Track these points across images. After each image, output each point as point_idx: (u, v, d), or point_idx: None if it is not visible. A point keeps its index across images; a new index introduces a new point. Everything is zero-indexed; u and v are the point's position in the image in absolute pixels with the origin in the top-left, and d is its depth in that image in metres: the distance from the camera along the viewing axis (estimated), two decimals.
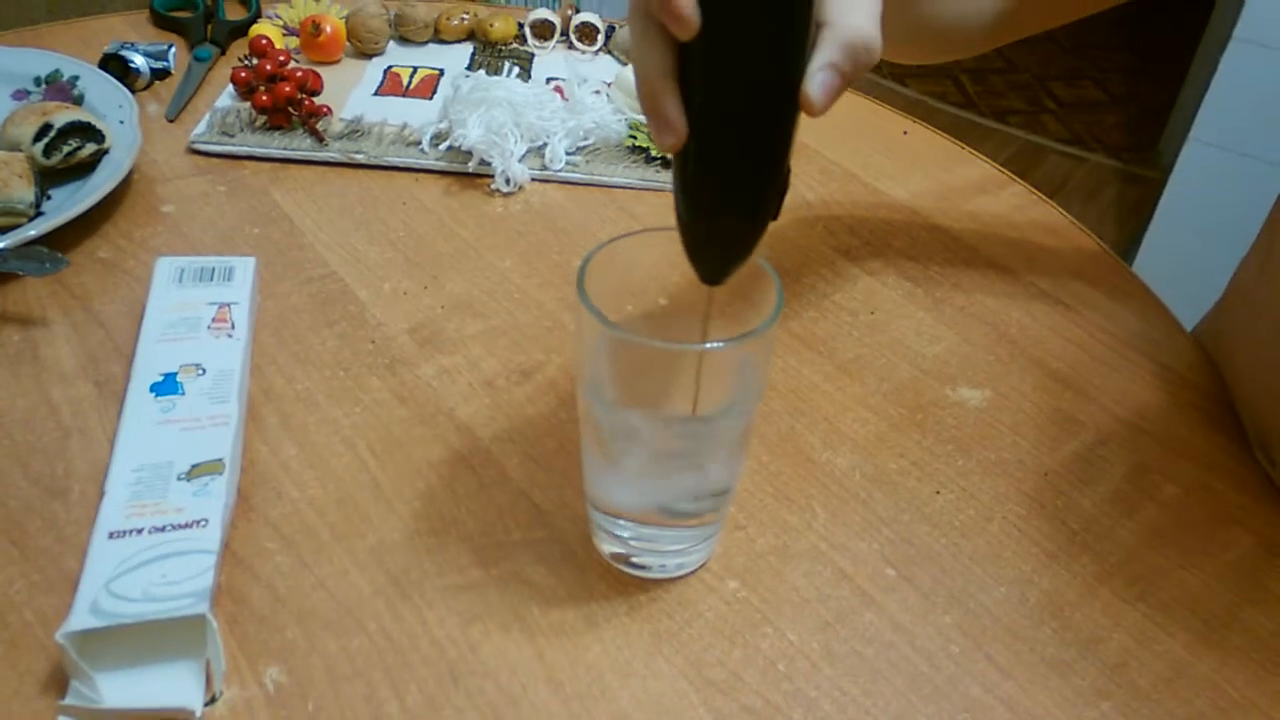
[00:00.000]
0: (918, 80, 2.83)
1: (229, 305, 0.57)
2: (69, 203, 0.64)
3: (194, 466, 0.48)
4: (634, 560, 0.48)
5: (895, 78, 2.83)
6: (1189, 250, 1.85)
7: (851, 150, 0.82)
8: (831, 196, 0.76)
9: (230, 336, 0.55)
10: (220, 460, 0.48)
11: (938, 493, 0.54)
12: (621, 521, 0.47)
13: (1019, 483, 0.55)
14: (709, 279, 0.41)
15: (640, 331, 0.40)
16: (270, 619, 0.46)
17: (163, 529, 0.44)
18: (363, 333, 0.61)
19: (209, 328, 0.55)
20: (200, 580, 0.43)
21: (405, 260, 0.67)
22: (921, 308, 0.66)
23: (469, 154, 0.74)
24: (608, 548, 0.49)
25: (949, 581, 0.50)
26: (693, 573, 0.49)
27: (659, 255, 0.45)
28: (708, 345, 0.41)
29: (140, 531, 0.44)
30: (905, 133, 0.85)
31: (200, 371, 0.53)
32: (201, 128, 0.76)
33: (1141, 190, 2.35)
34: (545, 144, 0.76)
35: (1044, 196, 0.78)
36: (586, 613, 0.47)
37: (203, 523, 0.45)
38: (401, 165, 0.75)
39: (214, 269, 0.59)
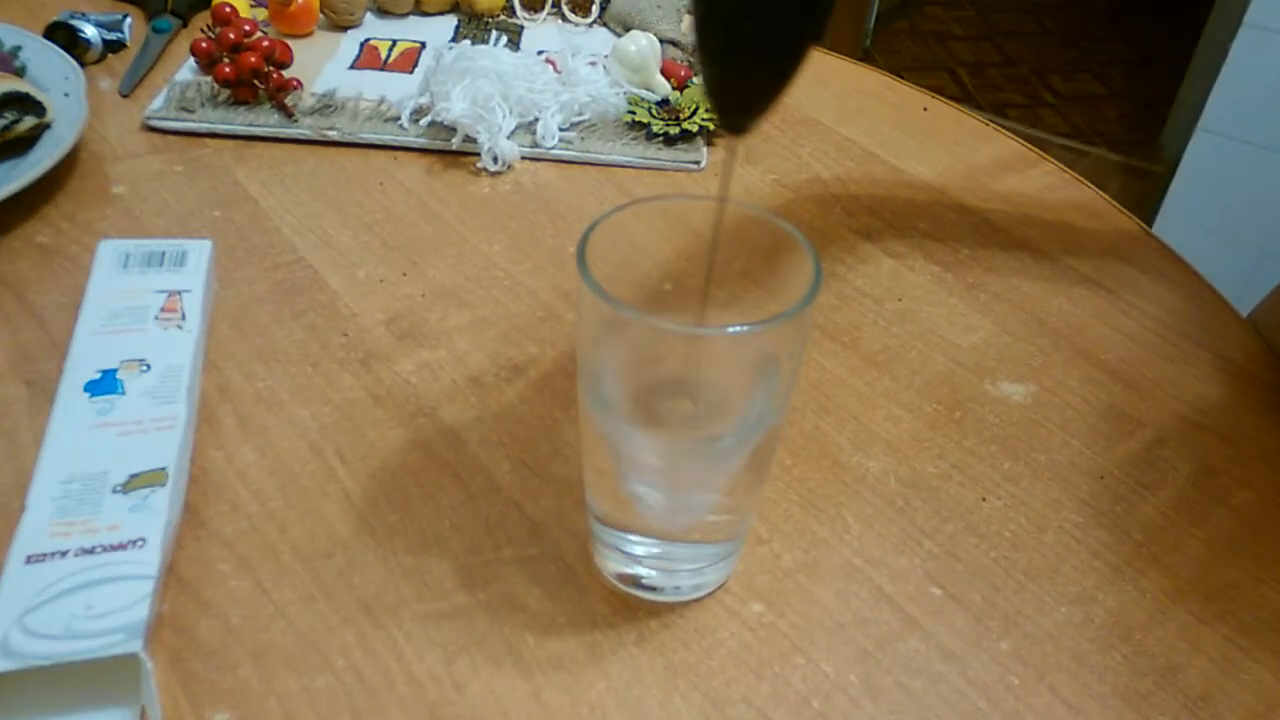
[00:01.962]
0: (914, 74, 2.77)
1: (180, 293, 0.50)
2: (3, 181, 0.58)
3: (132, 476, 0.41)
4: (643, 581, 0.42)
5: (891, 71, 2.77)
6: (1199, 242, 1.79)
7: (868, 127, 0.75)
8: (849, 175, 0.70)
9: (180, 328, 0.49)
10: (163, 469, 0.42)
11: (984, 500, 0.48)
12: (629, 536, 0.41)
13: (1073, 487, 0.49)
14: (734, 121, 0.34)
15: (649, 315, 0.34)
16: (220, 655, 0.39)
17: (91, 550, 0.38)
18: (334, 324, 0.54)
19: (156, 318, 0.49)
20: (134, 612, 0.36)
21: (382, 245, 0.60)
22: (953, 294, 0.60)
23: (452, 130, 0.67)
24: (613, 566, 0.43)
25: (1002, 602, 0.43)
26: (711, 594, 0.43)
27: (670, 226, 0.38)
28: (731, 329, 0.35)
29: (64, 554, 0.38)
30: (925, 109, 0.79)
31: (144, 368, 0.46)
32: (158, 103, 0.69)
33: (1145, 184, 2.30)
34: (536, 119, 0.69)
35: (1077, 176, 0.72)
36: (589, 643, 0.41)
37: (139, 543, 0.39)
38: (378, 143, 0.68)
39: (164, 253, 0.52)
